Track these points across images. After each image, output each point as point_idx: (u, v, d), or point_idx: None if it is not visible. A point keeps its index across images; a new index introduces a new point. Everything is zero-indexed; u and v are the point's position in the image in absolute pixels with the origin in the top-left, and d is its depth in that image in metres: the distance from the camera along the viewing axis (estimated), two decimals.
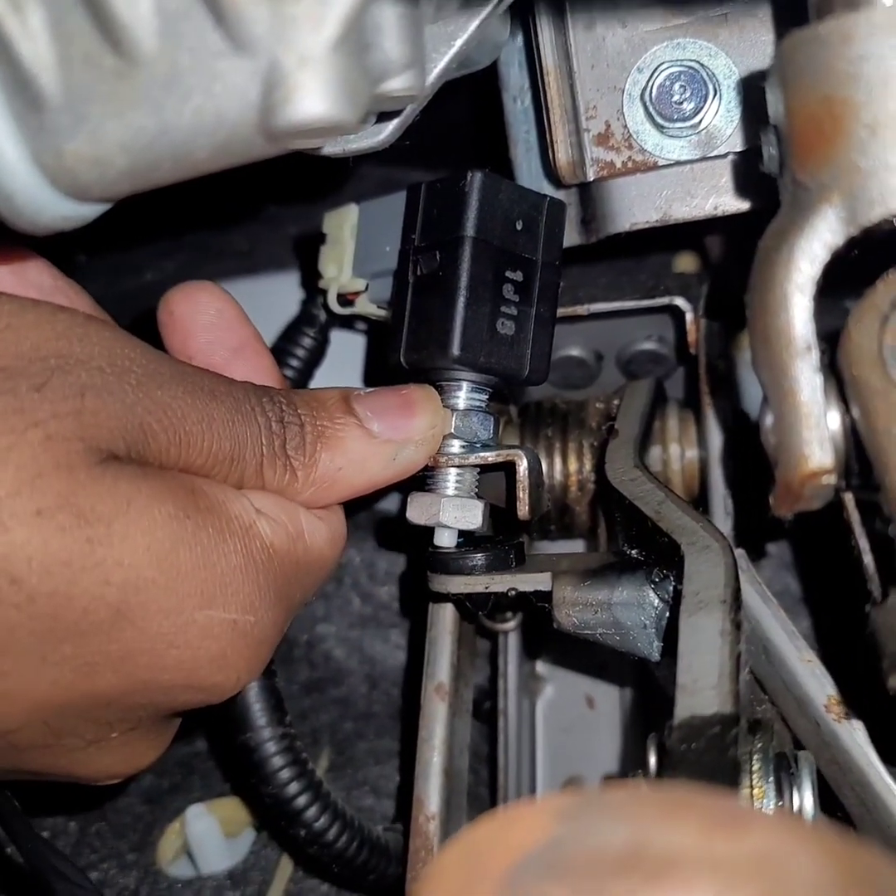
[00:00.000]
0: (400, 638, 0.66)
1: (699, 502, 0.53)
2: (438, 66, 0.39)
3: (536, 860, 0.21)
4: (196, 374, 0.37)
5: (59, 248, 0.42)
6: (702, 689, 0.34)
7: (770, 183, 0.40)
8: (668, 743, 0.34)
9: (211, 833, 0.57)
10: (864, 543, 0.33)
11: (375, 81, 0.33)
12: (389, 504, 0.65)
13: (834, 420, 0.33)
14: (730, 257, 0.57)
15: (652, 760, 0.36)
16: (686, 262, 0.69)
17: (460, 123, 0.64)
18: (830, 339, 0.33)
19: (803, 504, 0.34)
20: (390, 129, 0.40)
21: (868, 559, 0.34)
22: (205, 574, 0.35)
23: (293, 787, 0.47)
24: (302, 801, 0.47)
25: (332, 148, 0.41)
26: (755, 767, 0.35)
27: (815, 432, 0.32)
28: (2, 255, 0.40)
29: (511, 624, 0.58)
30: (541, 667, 0.60)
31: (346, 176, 0.71)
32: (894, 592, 0.31)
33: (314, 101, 0.29)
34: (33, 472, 0.31)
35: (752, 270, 0.34)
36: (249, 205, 0.73)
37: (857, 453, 0.33)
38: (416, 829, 0.47)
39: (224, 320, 0.43)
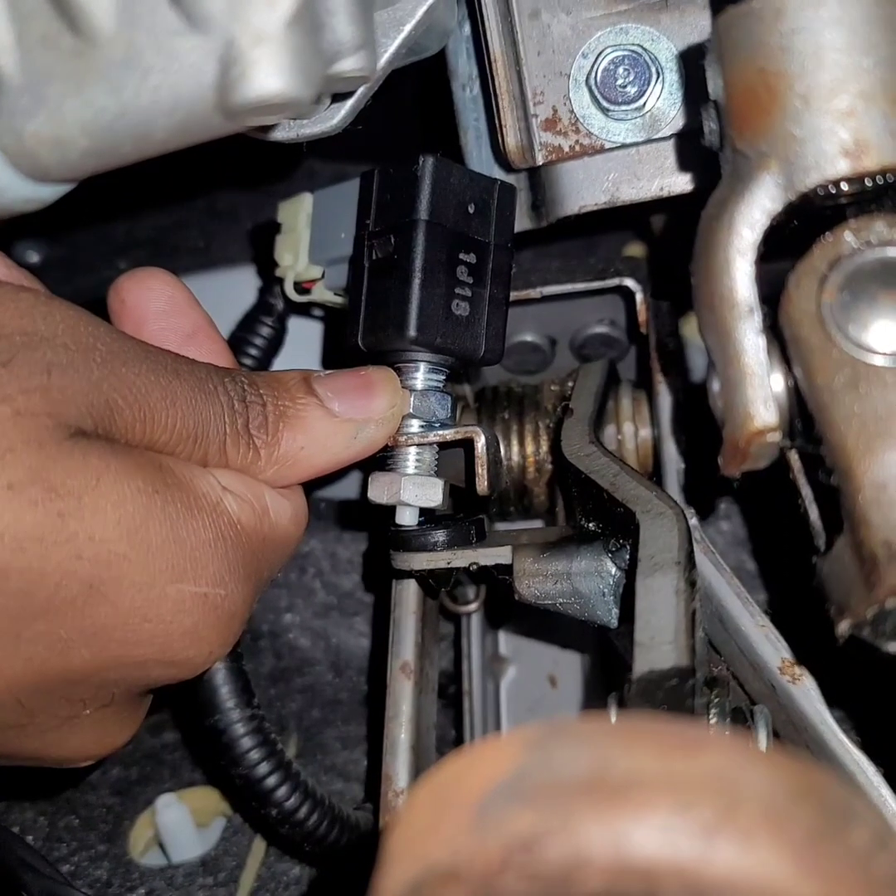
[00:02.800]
0: (364, 625, 0.67)
1: (653, 478, 0.54)
2: (388, 51, 0.40)
3: (504, 788, 0.22)
4: (159, 354, 0.38)
5: (9, 247, 0.42)
6: (659, 644, 0.36)
7: (713, 164, 0.41)
8: (627, 697, 0.35)
9: (181, 822, 0.57)
10: (808, 494, 0.35)
11: (328, 61, 0.34)
12: (350, 490, 0.65)
13: (777, 381, 0.34)
14: (675, 238, 0.59)
15: (613, 716, 0.37)
16: (634, 250, 0.70)
17: (408, 116, 0.65)
18: (772, 304, 0.34)
19: (750, 463, 0.35)
20: (343, 113, 0.42)
21: (813, 513, 0.35)
22: (175, 548, 0.35)
23: (263, 768, 0.47)
24: (272, 781, 0.47)
25: (286, 133, 0.42)
26: (712, 720, 0.37)
27: (760, 392, 0.34)
28: None
29: (473, 606, 0.59)
30: (504, 648, 0.61)
31: (299, 170, 0.71)
32: (838, 541, 0.33)
33: (270, 77, 0.30)
34: (3, 447, 0.31)
35: (696, 238, 0.35)
36: (203, 201, 0.74)
37: (800, 411, 0.34)
38: (386, 806, 0.48)
39: (176, 306, 0.43)
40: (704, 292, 0.35)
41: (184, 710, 0.64)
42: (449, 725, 0.61)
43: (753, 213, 0.33)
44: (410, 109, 0.65)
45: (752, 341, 0.34)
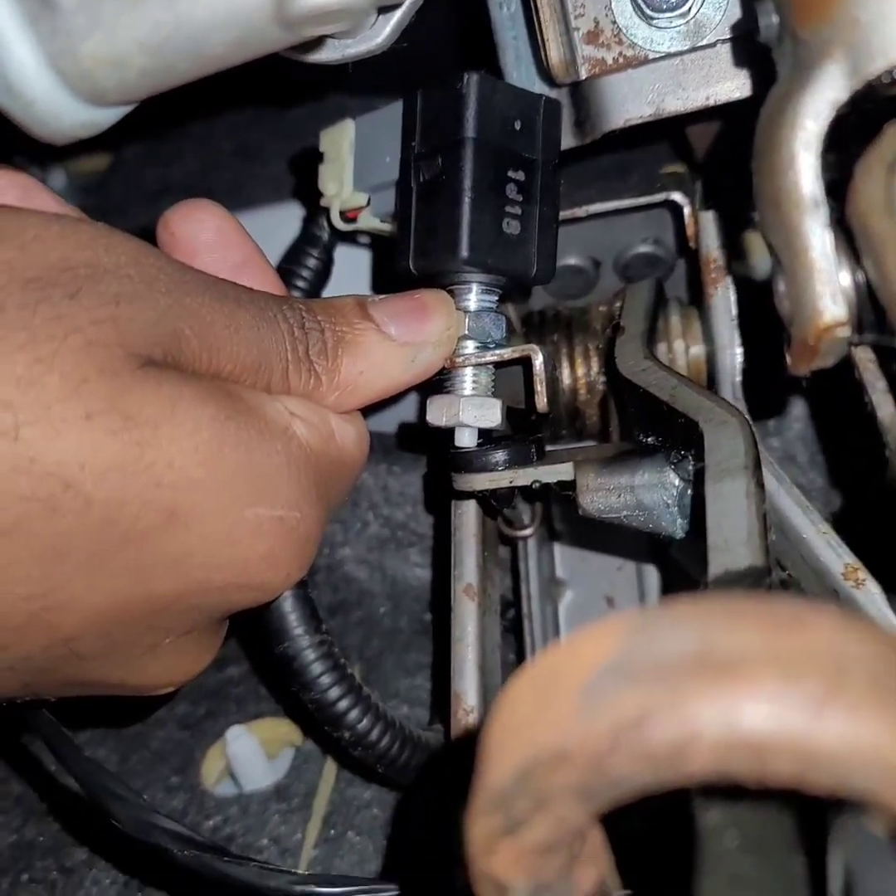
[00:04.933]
0: (419, 556, 0.68)
1: None
2: None
3: (610, 671, 0.22)
4: (220, 283, 0.38)
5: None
6: (733, 546, 0.36)
7: (760, 68, 0.41)
8: None
9: (252, 752, 0.58)
10: (883, 386, 0.34)
11: None
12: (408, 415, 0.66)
13: (845, 276, 0.34)
14: (719, 149, 0.58)
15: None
16: (675, 168, 0.70)
17: (442, 44, 0.65)
18: (838, 197, 0.34)
19: (819, 360, 0.35)
20: (388, 30, 0.41)
21: (885, 408, 0.35)
22: (250, 474, 0.35)
23: (334, 692, 0.48)
24: (344, 704, 0.48)
25: (330, 54, 0.42)
26: None
27: (828, 287, 0.33)
28: (6, 183, 0.40)
29: (529, 530, 0.59)
30: (561, 571, 0.62)
31: (330, 107, 0.71)
32: None
33: None
34: (79, 377, 0.31)
35: (756, 136, 0.35)
36: (233, 143, 0.73)
37: (871, 304, 0.34)
38: (456, 723, 0.49)
39: (225, 237, 0.43)
40: (768, 189, 0.34)
41: (246, 645, 0.65)
42: (509, 650, 0.62)
43: (817, 105, 0.33)
44: (444, 37, 0.64)
45: (818, 236, 0.33)
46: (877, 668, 0.22)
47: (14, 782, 0.62)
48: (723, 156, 0.56)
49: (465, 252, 0.44)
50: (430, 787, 0.51)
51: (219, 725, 0.61)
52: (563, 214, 0.53)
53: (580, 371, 0.56)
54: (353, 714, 0.49)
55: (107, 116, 0.33)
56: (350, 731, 0.49)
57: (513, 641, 0.62)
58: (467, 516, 0.51)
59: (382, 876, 0.53)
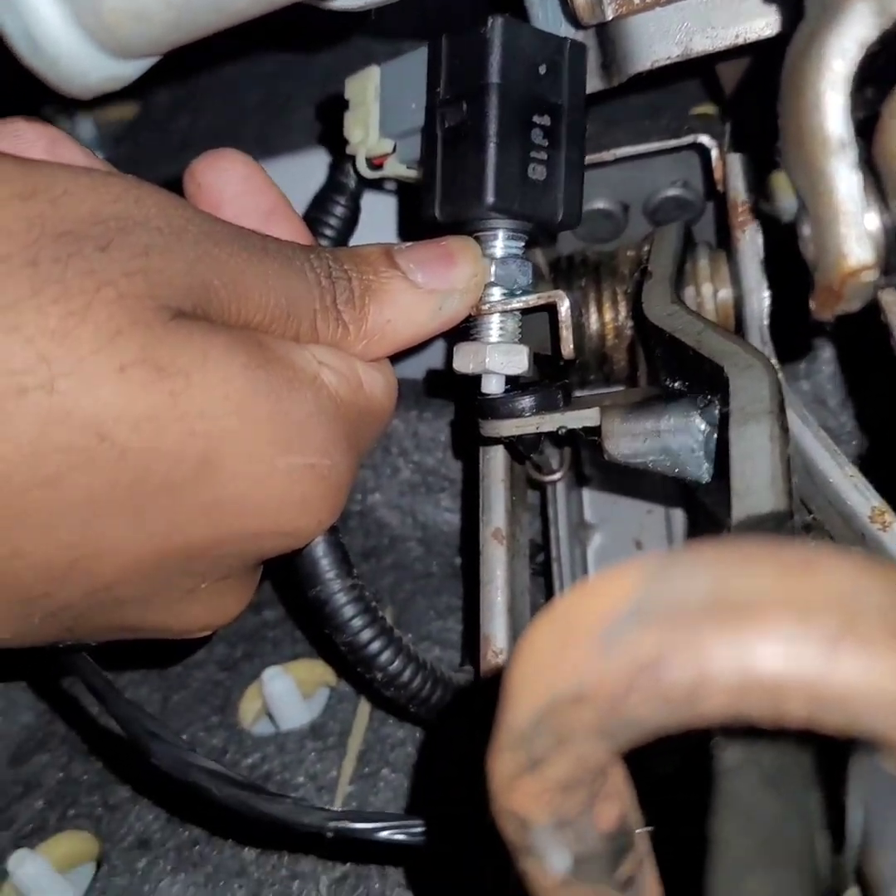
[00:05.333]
0: (449, 501, 0.68)
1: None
2: None
3: (626, 614, 0.23)
4: (247, 233, 0.39)
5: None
6: (756, 490, 0.36)
7: (790, 6, 0.40)
8: None
9: (288, 692, 0.59)
10: None
11: None
12: (435, 362, 0.66)
13: (872, 219, 0.34)
14: (748, 89, 0.57)
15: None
16: (704, 109, 0.69)
17: None
18: (866, 137, 0.33)
19: (844, 304, 0.35)
20: None
21: None
22: (281, 422, 0.36)
23: (366, 634, 0.49)
24: (376, 646, 0.49)
25: (353, 0, 0.42)
26: None
27: (854, 230, 0.33)
28: (34, 134, 0.41)
29: (558, 475, 0.59)
30: (589, 515, 0.62)
31: (353, 54, 0.70)
32: None
33: None
34: (112, 329, 0.32)
35: (783, 76, 0.34)
36: (259, 93, 0.73)
37: None
38: (486, 665, 0.50)
39: (252, 186, 0.43)
40: (793, 130, 0.34)
41: (281, 588, 0.66)
42: (539, 593, 0.62)
43: (844, 44, 0.32)
44: None
45: (845, 178, 0.33)
46: (890, 609, 0.22)
47: (59, 722, 0.64)
48: (753, 94, 0.55)
49: (490, 198, 0.44)
50: (459, 725, 0.52)
51: (255, 667, 0.62)
52: (590, 158, 0.53)
53: (608, 316, 0.56)
54: (385, 655, 0.50)
55: (132, 69, 0.33)
56: (382, 672, 0.50)
57: (543, 584, 0.63)
58: (495, 462, 0.52)
59: (410, 812, 0.54)
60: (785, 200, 0.57)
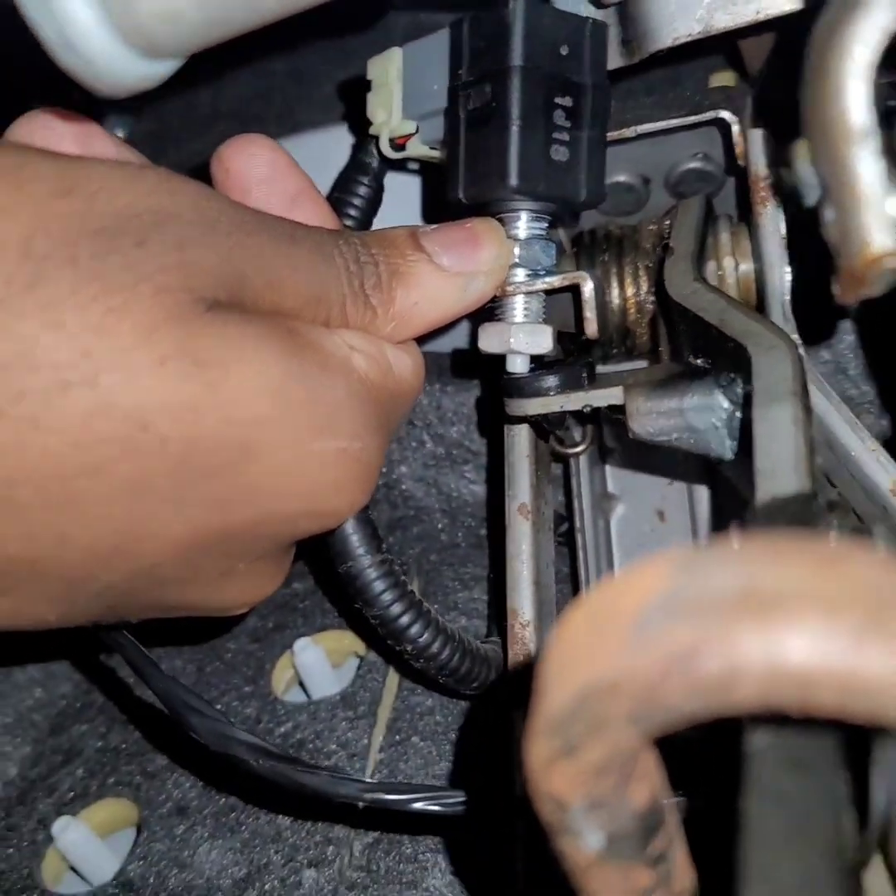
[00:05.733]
0: (473, 473, 0.69)
1: (758, 311, 0.54)
2: None
3: (659, 606, 0.24)
4: (277, 222, 0.39)
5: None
6: (780, 472, 0.37)
7: None
8: (750, 524, 0.36)
9: (318, 662, 0.61)
10: None
11: None
12: (459, 341, 0.67)
13: (895, 205, 0.34)
14: (770, 63, 0.57)
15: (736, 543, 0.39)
16: (723, 78, 0.68)
17: None
18: (888, 123, 0.34)
19: (867, 289, 0.35)
20: None
21: None
22: (314, 408, 0.37)
23: (396, 608, 0.50)
24: (405, 619, 0.50)
25: None
26: (836, 540, 0.38)
27: (877, 217, 0.33)
28: (64, 126, 0.41)
29: (581, 447, 0.60)
30: (612, 486, 0.63)
31: (377, 27, 0.70)
32: None
33: None
34: (150, 324, 0.33)
35: (805, 63, 0.35)
36: (284, 66, 0.73)
37: None
38: (514, 637, 0.51)
39: (278, 170, 0.44)
40: (816, 119, 0.34)
41: (310, 561, 0.67)
42: (563, 562, 0.64)
43: (867, 31, 0.32)
44: None
45: (867, 166, 0.33)
46: None
47: (97, 693, 0.66)
48: (776, 69, 0.55)
49: (514, 180, 0.45)
50: (492, 698, 0.54)
51: (286, 637, 0.64)
52: (612, 135, 0.53)
53: (630, 291, 0.56)
54: (415, 628, 0.51)
55: (164, 69, 0.34)
56: (412, 645, 0.51)
57: (567, 555, 0.64)
58: (520, 439, 0.53)
59: (441, 780, 0.56)
60: (806, 171, 0.57)
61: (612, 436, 0.62)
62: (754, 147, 0.52)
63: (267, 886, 0.54)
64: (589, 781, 0.25)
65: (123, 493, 0.34)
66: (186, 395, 0.33)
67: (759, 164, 0.52)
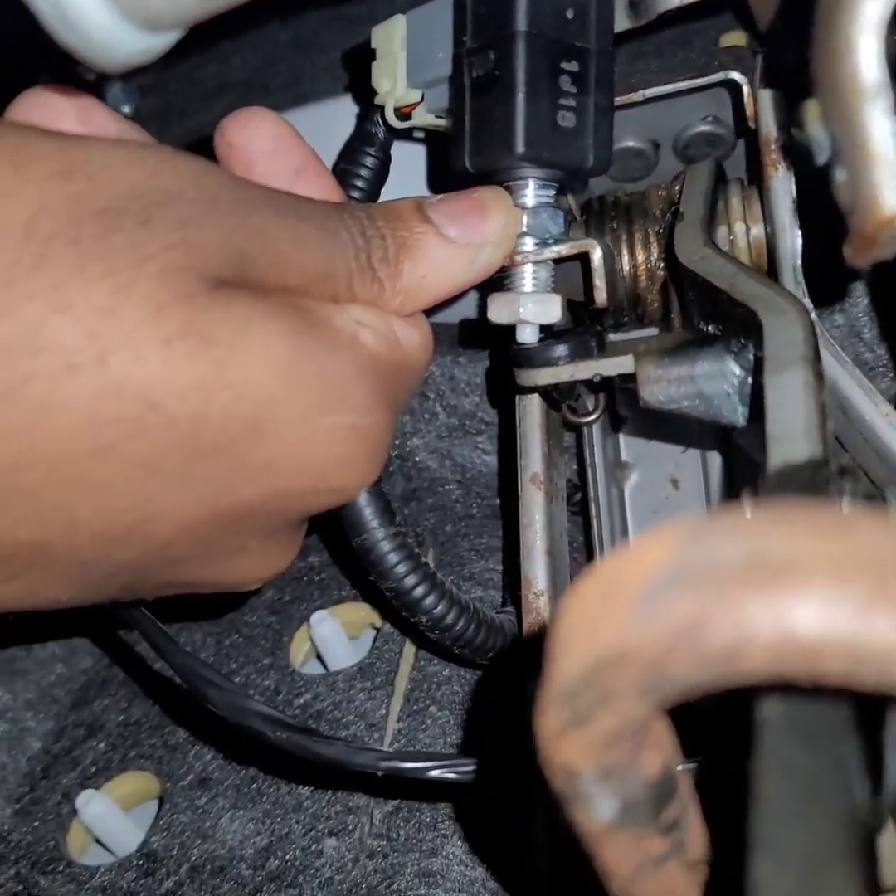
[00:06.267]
0: (486, 443, 0.69)
1: (768, 276, 0.53)
2: None
3: (667, 577, 0.24)
4: (281, 197, 0.39)
5: (101, 99, 0.43)
6: (792, 437, 0.36)
7: None
8: (762, 490, 0.36)
9: (335, 634, 0.61)
10: None
11: None
12: (468, 312, 0.67)
13: None
14: (781, 21, 0.56)
15: (749, 510, 0.38)
16: (733, 38, 0.67)
17: None
18: None
19: (879, 251, 0.35)
20: None
21: None
22: (322, 384, 0.37)
23: (410, 580, 0.50)
24: (419, 591, 0.50)
25: None
26: (847, 506, 0.38)
27: (889, 177, 0.33)
28: (64, 103, 0.41)
29: (593, 416, 0.60)
30: (626, 454, 0.63)
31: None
32: None
33: None
34: (155, 304, 0.33)
35: (814, 20, 0.34)
36: (288, 35, 0.73)
37: None
38: (528, 606, 0.51)
39: (281, 144, 0.44)
40: (826, 77, 0.34)
41: (326, 534, 0.68)
42: (578, 532, 0.64)
43: None
44: None
45: (879, 125, 0.33)
46: None
47: (117, 668, 0.67)
48: (787, 28, 0.54)
49: (521, 148, 0.44)
50: (505, 666, 0.54)
51: (303, 610, 0.64)
52: (620, 100, 0.53)
53: (640, 257, 0.56)
54: (429, 600, 0.51)
55: (163, 42, 0.33)
56: (427, 616, 0.51)
57: (581, 524, 0.64)
58: (531, 409, 0.53)
59: (462, 751, 0.56)
60: (817, 131, 0.56)
61: (624, 404, 0.62)
62: (765, 108, 0.52)
63: (288, 856, 0.54)
64: (600, 751, 0.25)
65: (133, 473, 0.34)
66: (194, 374, 0.33)
67: (769, 126, 0.52)
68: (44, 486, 0.33)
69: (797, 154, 0.51)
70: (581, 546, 0.64)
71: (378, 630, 0.64)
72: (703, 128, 0.57)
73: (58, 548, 0.34)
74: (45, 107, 0.41)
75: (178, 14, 0.33)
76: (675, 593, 0.23)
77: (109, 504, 0.34)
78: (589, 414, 0.60)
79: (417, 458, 0.70)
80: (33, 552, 0.34)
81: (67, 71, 0.45)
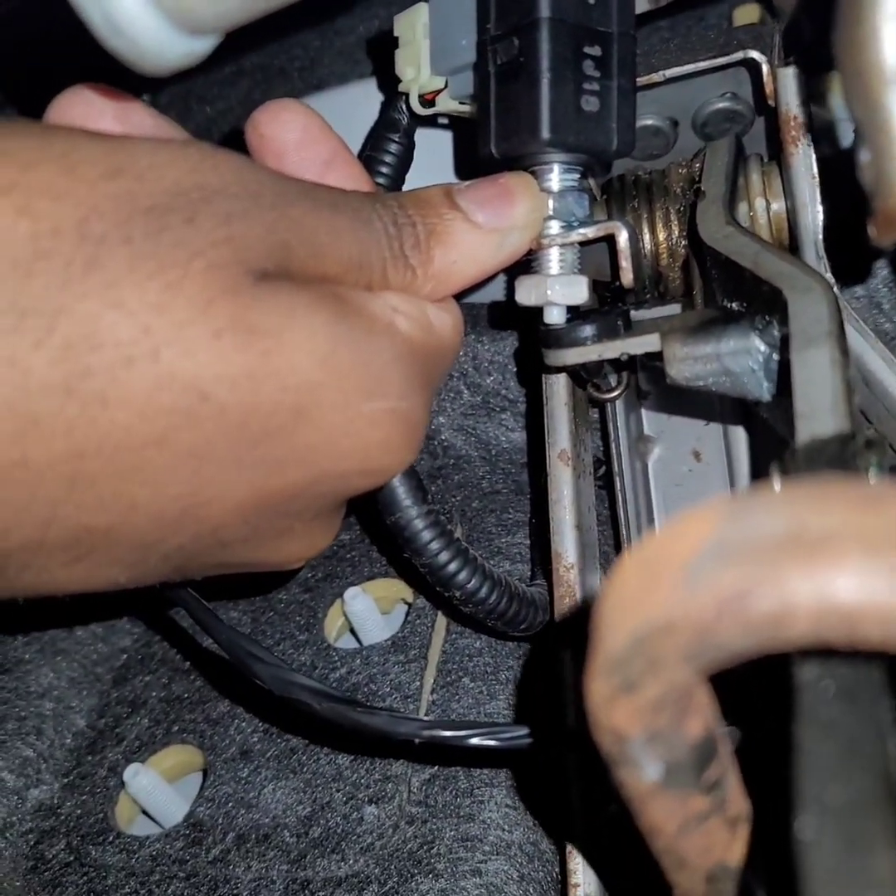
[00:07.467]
0: (511, 421, 0.71)
1: (790, 252, 0.54)
2: None
3: (710, 552, 0.25)
4: (317, 189, 0.40)
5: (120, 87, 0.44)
6: (819, 413, 0.38)
7: None
8: (790, 465, 0.37)
9: (368, 610, 0.63)
10: None
11: None
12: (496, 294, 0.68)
13: None
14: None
15: (776, 485, 0.40)
16: (747, 12, 0.68)
17: None
18: None
19: None
20: None
21: None
22: (363, 371, 0.38)
23: (444, 556, 0.51)
24: (453, 567, 0.52)
25: None
26: (873, 479, 0.39)
27: None
28: (103, 103, 0.42)
29: (617, 392, 0.61)
30: (648, 428, 0.64)
31: None
32: None
33: None
34: (204, 299, 0.34)
35: (837, 8, 0.35)
36: (304, 18, 0.73)
37: None
38: (558, 580, 0.53)
39: (311, 135, 0.45)
40: (850, 62, 0.35)
41: (357, 513, 0.69)
42: (603, 505, 0.65)
43: None
44: None
45: None
46: None
47: (155, 645, 0.69)
48: (805, 2, 0.55)
49: (546, 133, 0.45)
50: (540, 639, 0.55)
51: (336, 586, 0.66)
52: (641, 81, 0.54)
53: (662, 236, 0.57)
54: (463, 575, 0.52)
55: (205, 45, 0.35)
56: (460, 591, 0.53)
57: (606, 497, 0.65)
58: (558, 388, 0.54)
59: (493, 717, 0.58)
60: (836, 104, 0.57)
61: (647, 379, 0.63)
62: (784, 86, 0.53)
63: (330, 823, 0.56)
64: (647, 716, 0.27)
65: (187, 460, 0.36)
66: (242, 365, 0.35)
67: (789, 103, 0.52)
68: (105, 473, 0.34)
69: (817, 130, 0.52)
70: (606, 519, 0.65)
71: (409, 605, 0.65)
72: (722, 104, 0.58)
73: (119, 532, 0.36)
74: (84, 106, 0.42)
75: (220, 19, 0.34)
76: (720, 566, 0.25)
77: (165, 490, 0.36)
78: (612, 390, 0.61)
79: (443, 437, 0.71)
80: (96, 537, 0.36)
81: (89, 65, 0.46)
